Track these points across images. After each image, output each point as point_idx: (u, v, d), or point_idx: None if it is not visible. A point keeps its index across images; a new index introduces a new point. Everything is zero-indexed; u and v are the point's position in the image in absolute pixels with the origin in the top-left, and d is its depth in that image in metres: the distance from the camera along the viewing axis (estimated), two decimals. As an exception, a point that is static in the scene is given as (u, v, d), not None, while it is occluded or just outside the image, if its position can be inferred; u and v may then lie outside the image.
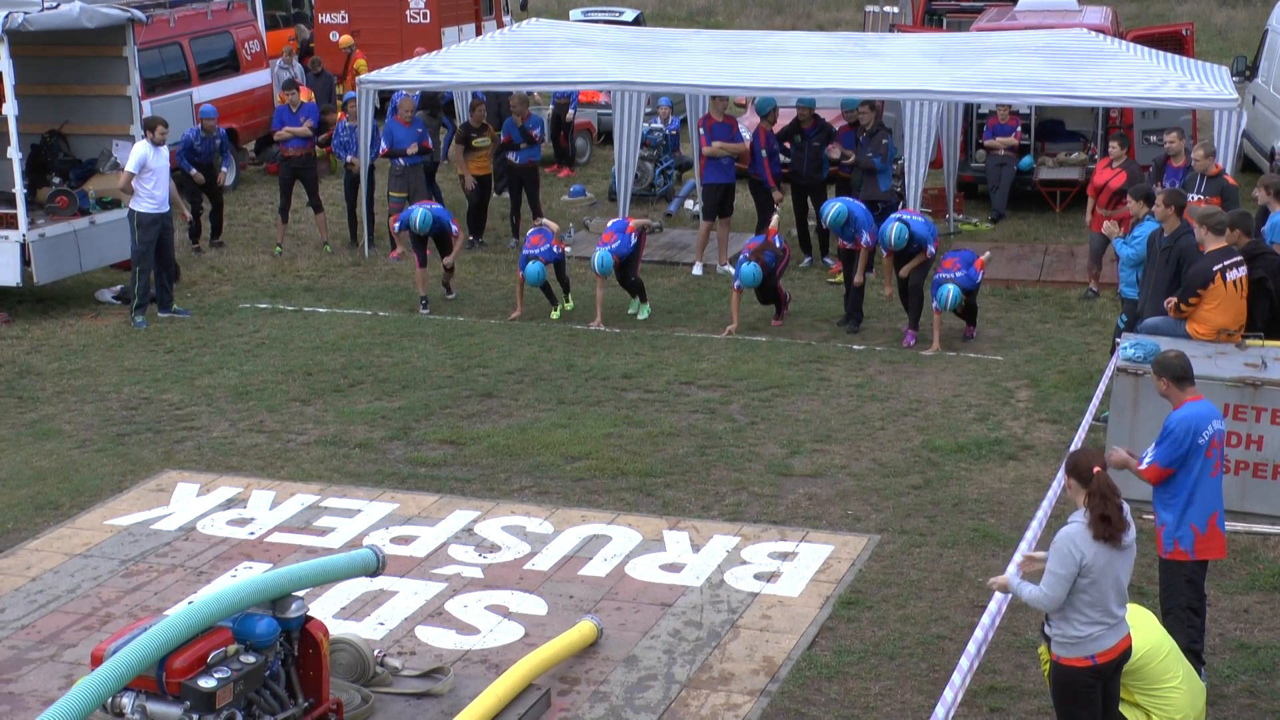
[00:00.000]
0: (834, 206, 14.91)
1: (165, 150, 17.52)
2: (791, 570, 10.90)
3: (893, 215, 15.51)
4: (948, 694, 6.82)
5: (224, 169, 21.28)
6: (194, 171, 19.74)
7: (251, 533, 11.81)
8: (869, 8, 33.90)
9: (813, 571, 10.85)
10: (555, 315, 17.17)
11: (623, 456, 13.34)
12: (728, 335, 16.40)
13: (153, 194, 16.85)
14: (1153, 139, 18.14)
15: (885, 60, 19.70)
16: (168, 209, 17.33)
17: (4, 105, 17.09)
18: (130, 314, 17.61)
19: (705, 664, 9.51)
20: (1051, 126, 22.34)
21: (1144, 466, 8.70)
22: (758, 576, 10.83)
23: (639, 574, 10.86)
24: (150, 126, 17.38)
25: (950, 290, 14.81)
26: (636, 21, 31.61)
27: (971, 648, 7.35)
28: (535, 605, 10.54)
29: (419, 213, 16.57)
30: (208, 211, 20.82)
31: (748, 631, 9.98)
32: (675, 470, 12.83)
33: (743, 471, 12.71)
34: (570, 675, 9.41)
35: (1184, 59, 20.08)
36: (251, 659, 8.14)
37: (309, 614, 8.62)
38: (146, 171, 16.80)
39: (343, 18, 29.49)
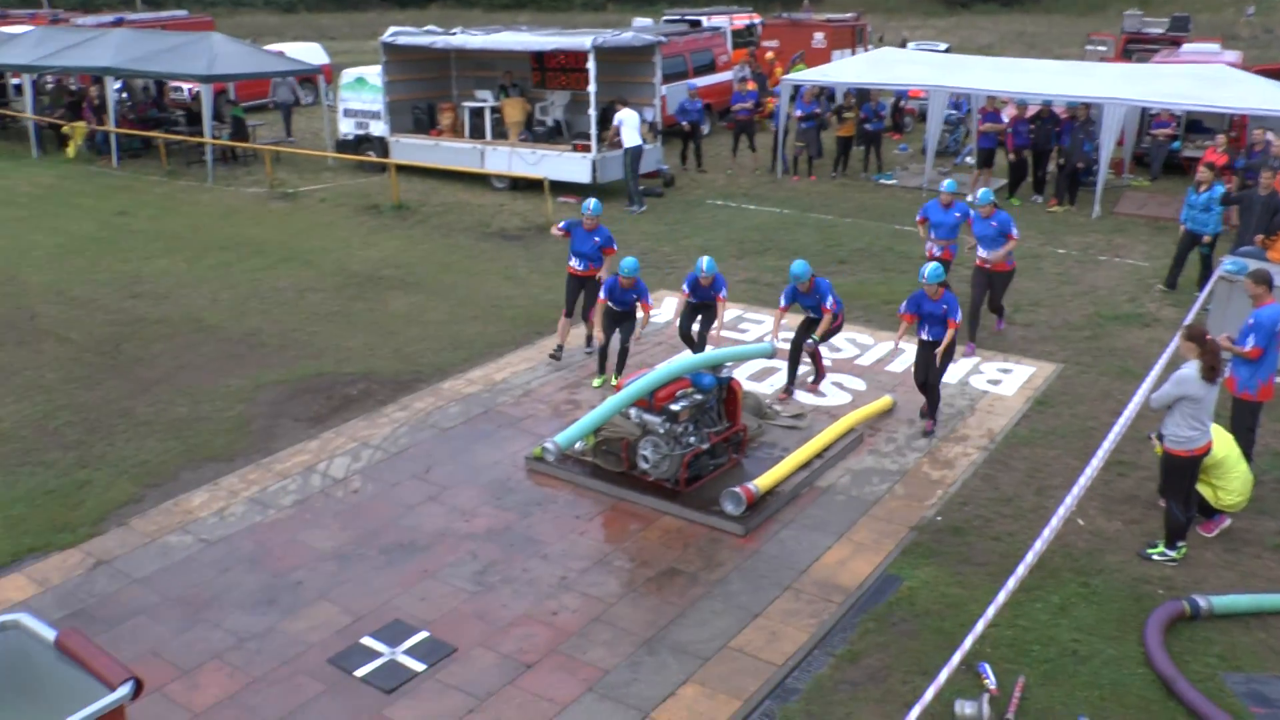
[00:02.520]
0: (929, 266, 11.02)
1: (634, 113, 21.74)
2: (1008, 379, 12.40)
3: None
4: (1094, 460, 7.61)
5: (703, 124, 25.44)
6: (685, 124, 24.38)
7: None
8: (1088, 46, 36.61)
9: (1021, 381, 12.32)
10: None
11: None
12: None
13: (633, 137, 21.34)
14: (1257, 131, 19.92)
15: (1095, 79, 21.60)
16: (638, 144, 21.47)
17: (589, 86, 21.36)
18: (629, 206, 21.60)
19: (953, 429, 11.10)
20: (1194, 124, 24.02)
21: (1249, 348, 9.33)
22: (989, 381, 12.34)
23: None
24: (623, 103, 21.84)
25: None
26: (947, 51, 33.95)
27: (1110, 435, 8.04)
28: (858, 384, 12.34)
29: (627, 264, 11.90)
30: (693, 149, 24.64)
31: (979, 413, 11.49)
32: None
33: (986, 318, 13.72)
34: (875, 426, 11.22)
35: None
36: (699, 397, 10.20)
37: (733, 375, 10.70)
38: (628, 127, 21.38)
39: (775, 43, 34.09)
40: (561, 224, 12.83)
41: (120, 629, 7.96)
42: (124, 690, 5.89)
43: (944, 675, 6.38)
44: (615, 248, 12.78)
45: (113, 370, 13.39)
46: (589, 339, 12.81)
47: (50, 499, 10.16)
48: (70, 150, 27.84)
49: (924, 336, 11.08)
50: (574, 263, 12.80)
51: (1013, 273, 13.52)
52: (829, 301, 11.60)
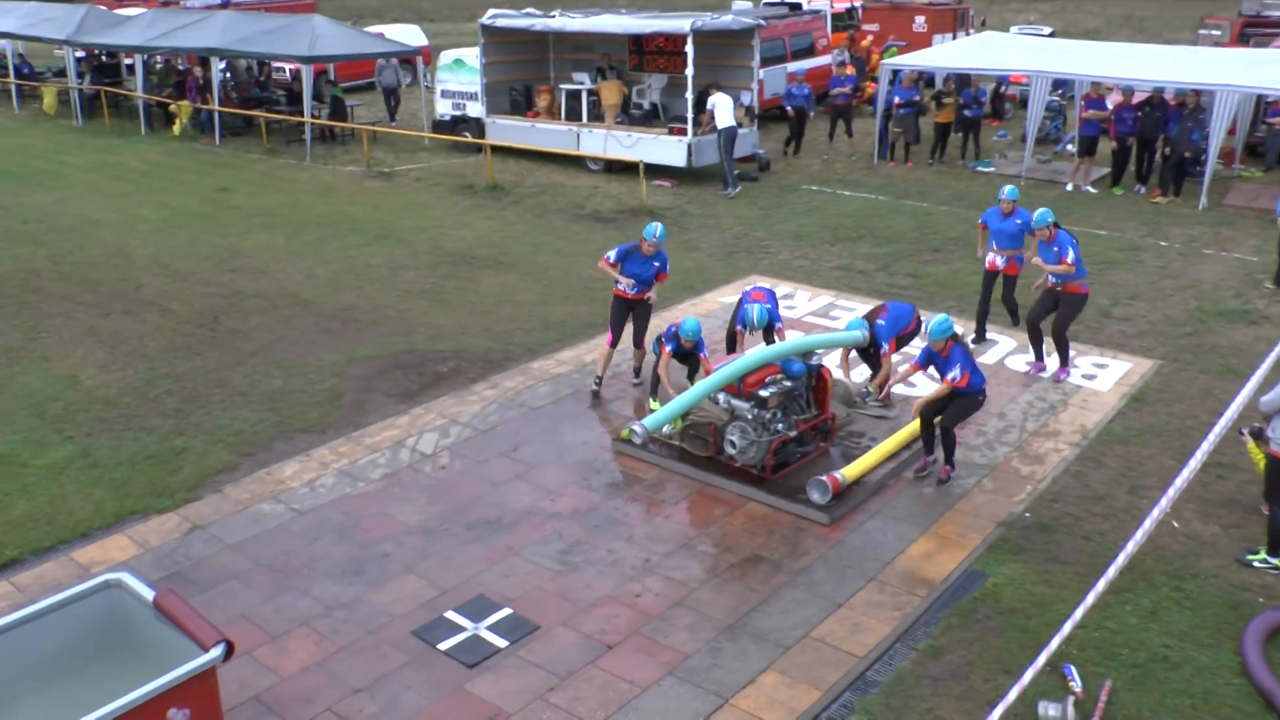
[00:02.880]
0: (936, 320, 9.86)
1: (728, 96, 21.54)
2: (1104, 374, 12.09)
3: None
4: (1192, 461, 7.05)
5: (810, 110, 25.06)
6: (791, 109, 24.14)
7: (794, 314, 13.98)
8: (1201, 30, 35.25)
9: (1117, 377, 12.01)
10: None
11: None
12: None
13: (727, 119, 21.04)
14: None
15: (1207, 64, 20.66)
16: (732, 126, 21.19)
17: (686, 69, 21.23)
18: (723, 189, 21.46)
19: (1044, 423, 10.86)
20: (1312, 112, 22.58)
21: None
22: (1084, 376, 12.02)
23: (1012, 365, 12.30)
24: (717, 86, 21.67)
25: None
26: (1051, 35, 33.02)
27: (1210, 435, 7.37)
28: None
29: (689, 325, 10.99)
30: (795, 134, 24.11)
31: (1072, 408, 11.22)
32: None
33: (1082, 312, 12.75)
34: (964, 420, 10.79)
35: None
36: (788, 384, 10.13)
37: (822, 363, 10.64)
38: (722, 109, 21.06)
39: (876, 27, 33.82)
40: (611, 254, 11.56)
41: (213, 592, 8.17)
42: (216, 652, 6.10)
43: (1028, 675, 6.28)
44: (668, 272, 11.98)
45: (211, 341, 13.74)
46: (637, 370, 12.13)
47: (150, 464, 10.46)
48: (176, 128, 28.56)
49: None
50: (624, 286, 11.61)
51: (1085, 299, 12.05)
52: (954, 372, 9.73)
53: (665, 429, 10.07)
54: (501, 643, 7.61)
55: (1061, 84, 25.14)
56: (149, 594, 6.51)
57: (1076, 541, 9.11)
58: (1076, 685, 7.30)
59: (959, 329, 9.86)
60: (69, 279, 16.39)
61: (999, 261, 12.89)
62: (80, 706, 5.83)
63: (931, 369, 9.95)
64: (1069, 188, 21.60)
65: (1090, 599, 6.63)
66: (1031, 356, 12.42)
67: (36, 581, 8.33)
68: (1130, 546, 6.78)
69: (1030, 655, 6.86)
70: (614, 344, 11.63)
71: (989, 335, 13.33)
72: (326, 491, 9.75)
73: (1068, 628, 6.54)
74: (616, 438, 10.55)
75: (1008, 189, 12.76)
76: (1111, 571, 6.67)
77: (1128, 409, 11.32)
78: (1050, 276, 11.86)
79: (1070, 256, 11.62)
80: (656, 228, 11.47)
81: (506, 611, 7.91)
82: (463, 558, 8.66)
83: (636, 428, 9.67)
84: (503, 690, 7.14)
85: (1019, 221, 12.57)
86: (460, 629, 7.77)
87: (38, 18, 32.25)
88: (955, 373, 9.57)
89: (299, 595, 8.16)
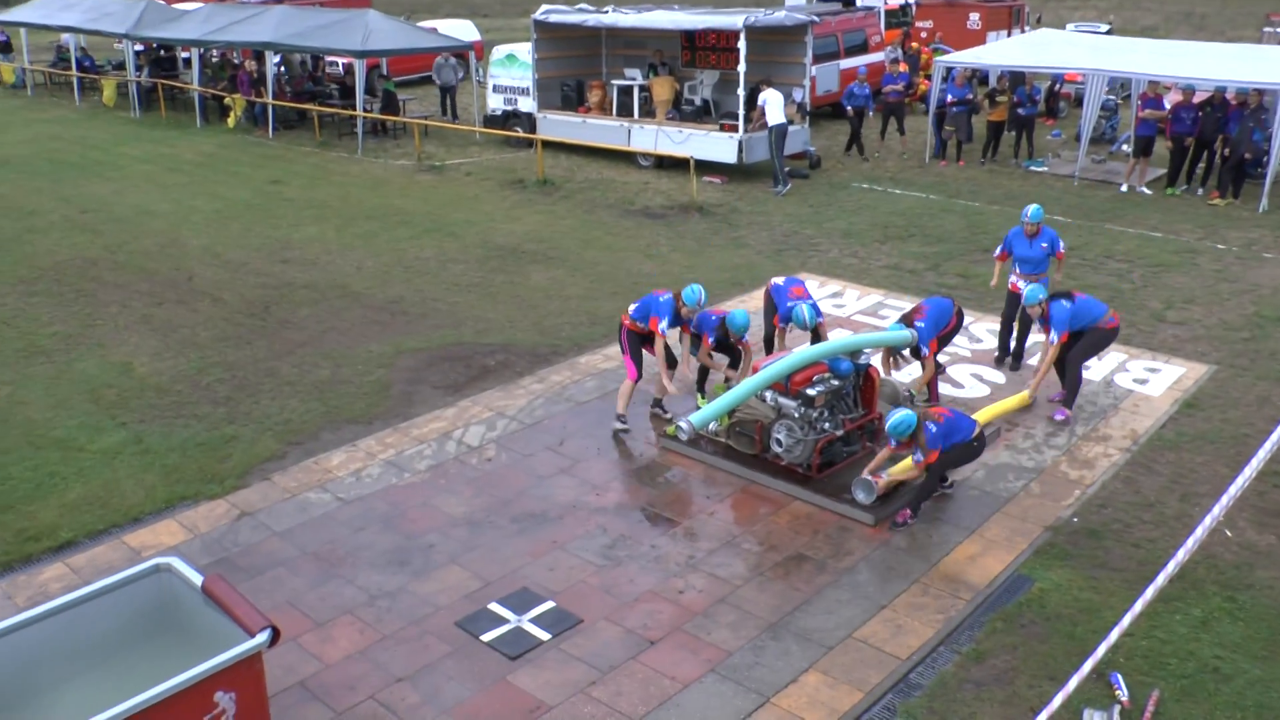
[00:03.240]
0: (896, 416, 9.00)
1: (778, 93, 21.35)
2: (1156, 379, 11.95)
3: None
4: (1247, 469, 7.02)
5: (869, 110, 24.92)
6: (849, 108, 24.04)
7: (843, 312, 14.04)
8: (1266, 28, 34.91)
9: (1169, 382, 11.87)
10: None
11: (1061, 294, 15.05)
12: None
13: (777, 115, 20.94)
14: None
15: (1272, 63, 20.30)
16: (783, 123, 21.05)
17: (739, 65, 21.26)
18: (774, 186, 21.38)
19: (1094, 427, 10.75)
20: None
21: None
22: (1135, 380, 11.94)
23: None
24: (768, 82, 21.52)
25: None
26: (1109, 32, 32.34)
27: (1267, 443, 7.47)
28: (997, 377, 12.10)
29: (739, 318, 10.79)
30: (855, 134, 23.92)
31: (1123, 413, 11.11)
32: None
33: (1134, 315, 13.57)
34: (1013, 420, 10.98)
35: None
36: (836, 383, 10.06)
37: (870, 362, 10.57)
38: (773, 106, 20.94)
39: (929, 24, 33.65)
40: (662, 326, 10.62)
41: (260, 579, 8.25)
42: (262, 637, 6.16)
43: (1073, 682, 6.22)
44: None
45: (261, 331, 13.92)
46: (658, 402, 11.25)
47: (201, 451, 10.60)
48: (230, 121, 28.90)
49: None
50: (663, 327, 10.59)
51: (1111, 334, 11.12)
52: (1052, 335, 10.57)
53: (711, 426, 10.00)
54: (544, 635, 7.60)
55: (1118, 83, 24.72)
56: (198, 579, 6.60)
57: (1125, 548, 9.01)
58: (1123, 694, 7.21)
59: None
60: (124, 268, 16.65)
61: (1022, 285, 11.91)
62: (130, 688, 5.92)
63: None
64: (1124, 188, 21.39)
65: (1138, 607, 6.57)
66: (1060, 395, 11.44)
67: (90, 564, 8.46)
68: (1181, 555, 6.71)
69: (1076, 662, 6.78)
70: (638, 376, 10.86)
71: (1040, 337, 13.05)
72: (373, 481, 9.83)
73: (1115, 635, 6.48)
74: (663, 434, 10.53)
75: (1031, 210, 11.84)
76: (1161, 579, 6.60)
77: (1180, 414, 11.17)
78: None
79: (1052, 337, 10.87)
80: (698, 292, 10.67)
81: (550, 604, 7.90)
82: (507, 550, 8.69)
83: (683, 424, 9.64)
84: (544, 683, 7.13)
85: (1044, 245, 11.88)
86: (504, 621, 7.78)
87: (99, 12, 32.82)
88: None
89: (344, 583, 8.22)
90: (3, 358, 12.75)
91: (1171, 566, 6.72)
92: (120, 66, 35.00)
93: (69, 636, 6.53)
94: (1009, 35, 31.59)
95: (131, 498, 9.46)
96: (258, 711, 6.31)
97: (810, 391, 9.90)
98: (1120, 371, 12.22)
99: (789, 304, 11.19)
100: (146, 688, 5.78)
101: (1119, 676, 7.35)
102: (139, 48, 33.04)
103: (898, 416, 8.75)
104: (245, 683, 6.18)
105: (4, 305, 14.72)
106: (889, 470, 9.44)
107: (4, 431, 10.88)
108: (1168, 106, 21.29)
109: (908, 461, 9.39)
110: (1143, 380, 12.06)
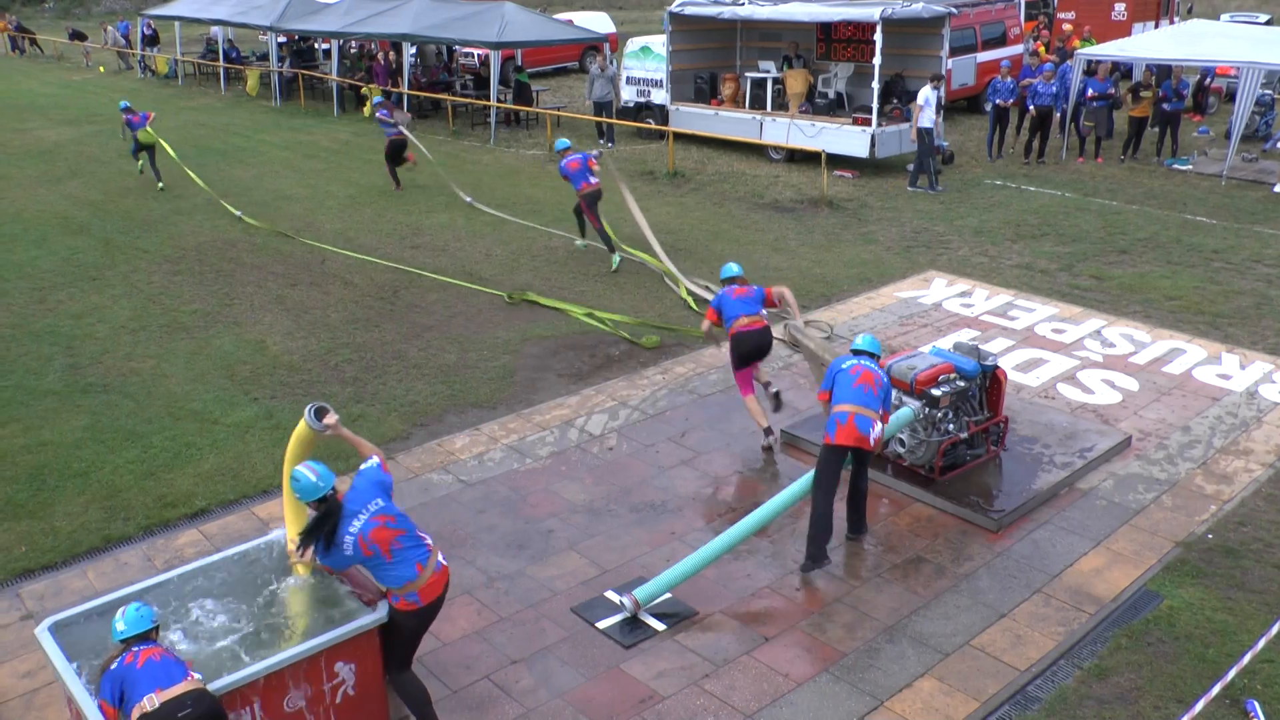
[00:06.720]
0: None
1: (937, 93, 20.71)
2: None
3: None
4: None
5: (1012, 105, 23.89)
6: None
7: (971, 312, 13.96)
8: None
9: None
10: None
11: (1203, 300, 14.19)
12: None
13: (929, 118, 20.30)
14: None
15: None
16: (930, 127, 20.53)
17: (874, 58, 20.91)
18: (926, 184, 20.96)
19: (1234, 440, 10.36)
20: None
21: None
22: None
23: (1200, 376, 11.86)
24: (937, 79, 21.02)
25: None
26: (1268, 23, 30.91)
27: None
28: (1130, 383, 11.78)
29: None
30: (998, 136, 22.99)
31: (1267, 426, 10.71)
32: (1237, 315, 13.60)
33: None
34: (1146, 429, 10.66)
35: None
36: (962, 384, 9.82)
37: (998, 364, 10.26)
38: (931, 107, 20.16)
39: (1072, 15, 32.33)
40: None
41: (383, 557, 8.36)
42: (382, 611, 6.37)
43: (1200, 705, 6.02)
44: None
45: (390, 315, 14.24)
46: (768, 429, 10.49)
47: (329, 429, 10.86)
48: (366, 109, 29.60)
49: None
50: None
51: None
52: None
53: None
54: (659, 626, 7.63)
55: (1276, 77, 23.62)
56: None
57: (1266, 569, 8.62)
58: (1259, 721, 6.93)
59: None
60: (261, 250, 17.21)
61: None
62: (256, 653, 6.20)
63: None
64: (1276, 189, 20.45)
65: (1276, 630, 6.33)
66: None
67: (221, 531, 8.83)
68: (1325, 577, 6.42)
69: (1206, 685, 6.55)
70: (751, 390, 10.41)
71: (1179, 344, 12.70)
72: (495, 465, 9.98)
73: (1248, 659, 6.25)
74: (785, 429, 10.45)
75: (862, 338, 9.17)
76: (1304, 602, 6.33)
77: (1329, 429, 10.96)
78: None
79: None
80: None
81: (666, 595, 7.86)
82: (626, 539, 8.74)
83: (625, 600, 8.13)
84: (658, 673, 7.16)
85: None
86: (619, 609, 7.79)
87: (247, 5, 34.03)
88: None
89: (463, 564, 8.37)
90: (150, 333, 13.34)
91: (1314, 589, 6.46)
92: (264, 58, 36.19)
93: (199, 600, 6.78)
94: (1156, 26, 30.43)
95: (261, 470, 9.80)
96: (374, 684, 6.46)
97: (935, 392, 9.74)
98: (1266, 383, 11.77)
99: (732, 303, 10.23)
100: (272, 654, 5.97)
101: (1255, 704, 7.02)
102: (282, 39, 34.04)
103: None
104: (365, 655, 6.38)
105: (151, 283, 15.38)
106: None
107: (148, 403, 11.41)
108: None
109: None
110: (1290, 393, 11.80)
